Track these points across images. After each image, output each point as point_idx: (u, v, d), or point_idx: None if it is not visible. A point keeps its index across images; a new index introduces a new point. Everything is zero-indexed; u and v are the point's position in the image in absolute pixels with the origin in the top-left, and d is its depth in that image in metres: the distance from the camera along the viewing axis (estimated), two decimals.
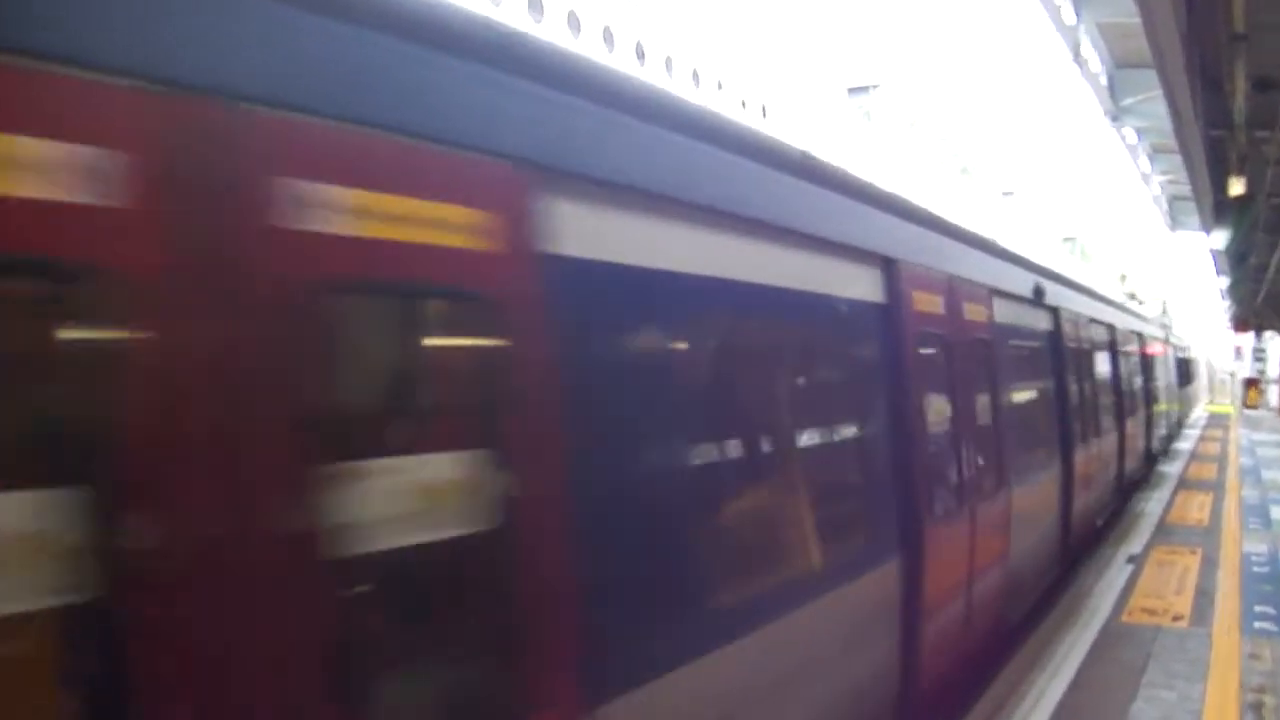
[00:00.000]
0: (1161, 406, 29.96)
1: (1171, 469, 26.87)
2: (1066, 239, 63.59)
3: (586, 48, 18.77)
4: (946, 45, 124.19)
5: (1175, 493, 21.86)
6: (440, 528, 3.77)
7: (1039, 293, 13.26)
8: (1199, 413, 54.81)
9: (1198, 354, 62.10)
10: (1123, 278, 53.10)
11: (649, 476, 5.16)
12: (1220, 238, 21.78)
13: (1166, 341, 34.49)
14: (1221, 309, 60.12)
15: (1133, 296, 39.04)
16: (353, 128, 3.48)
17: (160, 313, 2.88)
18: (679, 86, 30.86)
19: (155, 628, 2.82)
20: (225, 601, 2.99)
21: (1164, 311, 50.97)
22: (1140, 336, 24.94)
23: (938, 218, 10.00)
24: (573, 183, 4.48)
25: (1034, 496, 11.87)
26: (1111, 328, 19.63)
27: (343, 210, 3.38)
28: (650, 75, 28.13)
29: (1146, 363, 25.71)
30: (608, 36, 29.62)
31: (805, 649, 6.25)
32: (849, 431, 7.72)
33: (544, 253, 4.23)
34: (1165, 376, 32.28)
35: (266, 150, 3.23)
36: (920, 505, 7.97)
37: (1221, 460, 29.32)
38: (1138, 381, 23.53)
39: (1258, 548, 15.69)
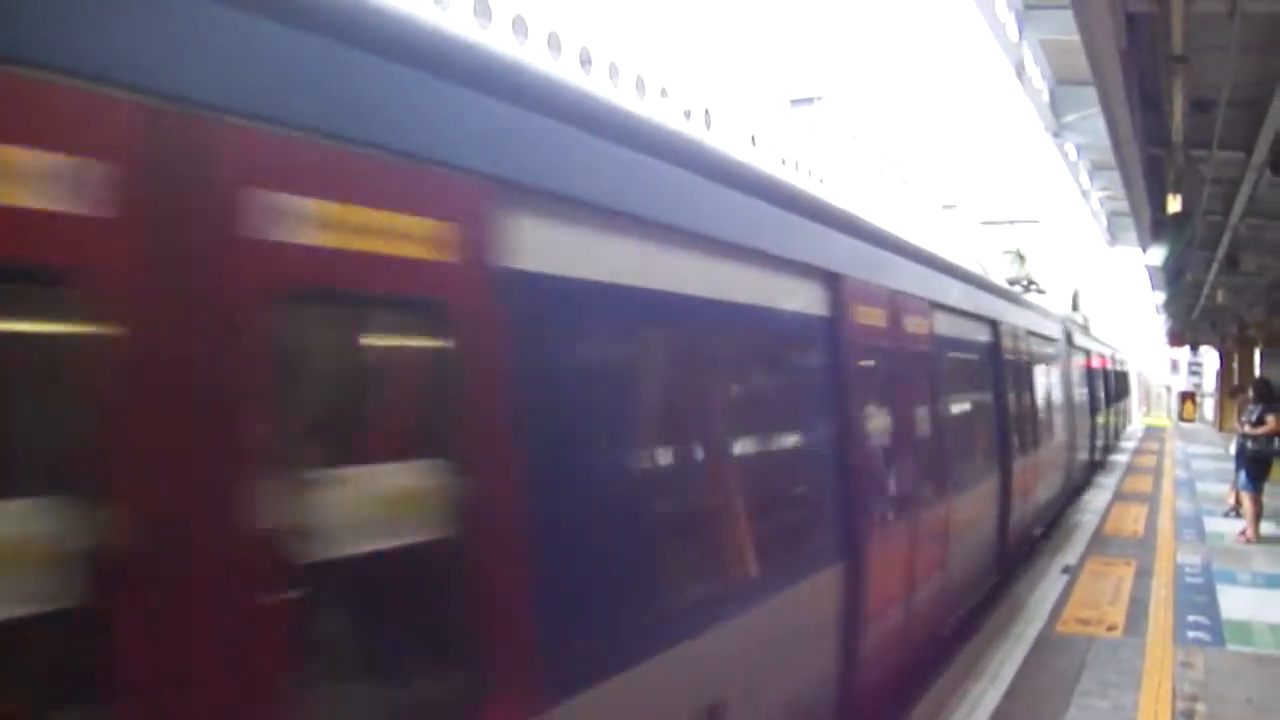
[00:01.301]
0: (1055, 449, 19.75)
1: (1108, 481, 27.13)
2: (1007, 251, 64.21)
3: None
4: (891, 59, 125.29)
5: (1111, 504, 22.11)
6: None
7: None
8: (1135, 426, 55.23)
9: (1130, 364, 55.35)
10: (1020, 258, 37.05)
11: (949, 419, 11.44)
12: (1157, 254, 22.05)
13: (1071, 344, 23.54)
14: (1158, 323, 60.93)
15: (1030, 284, 28.39)
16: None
17: None
18: (623, 95, 30.94)
19: None
20: None
21: (1075, 306, 40.92)
22: (998, 331, 14.34)
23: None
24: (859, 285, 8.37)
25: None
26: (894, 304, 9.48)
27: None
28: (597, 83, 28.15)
29: (1020, 376, 15.90)
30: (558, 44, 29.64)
31: (987, 501, 13.07)
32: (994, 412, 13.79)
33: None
34: (1065, 396, 21.62)
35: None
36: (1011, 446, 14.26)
37: (1157, 473, 29.67)
38: (982, 418, 13.58)
39: (1191, 559, 15.92)
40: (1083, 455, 25.53)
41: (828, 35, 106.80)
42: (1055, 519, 20.08)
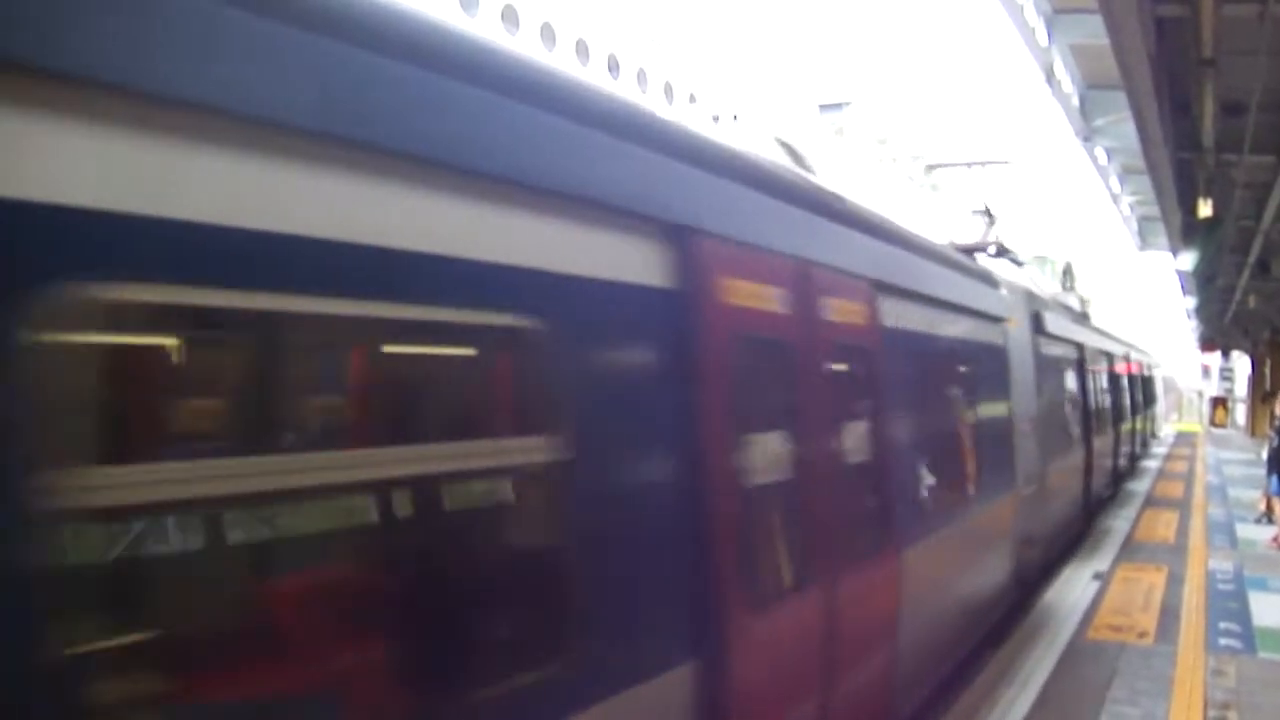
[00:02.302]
0: (968, 531, 10.40)
1: (1139, 487, 26.96)
2: (1039, 257, 63.89)
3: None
4: (920, 64, 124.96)
5: (1142, 510, 21.99)
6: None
7: None
8: (1165, 433, 54.89)
9: (1155, 366, 46.32)
10: (987, 216, 19.78)
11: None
12: (1188, 259, 21.96)
13: (1043, 333, 15.68)
14: (1188, 329, 60.67)
15: (1003, 252, 17.31)
16: None
17: None
18: (652, 100, 30.99)
19: None
20: None
21: (1068, 284, 29.80)
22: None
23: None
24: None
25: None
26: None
27: None
28: (624, 89, 28.14)
29: (872, 390, 7.88)
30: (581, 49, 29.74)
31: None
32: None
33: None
34: (1030, 416, 14.28)
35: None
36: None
37: (1188, 478, 29.48)
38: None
39: (1223, 565, 15.82)
40: (1059, 516, 16.63)
41: (857, 41, 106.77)
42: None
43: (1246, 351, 56.63)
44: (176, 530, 4.31)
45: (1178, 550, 17.11)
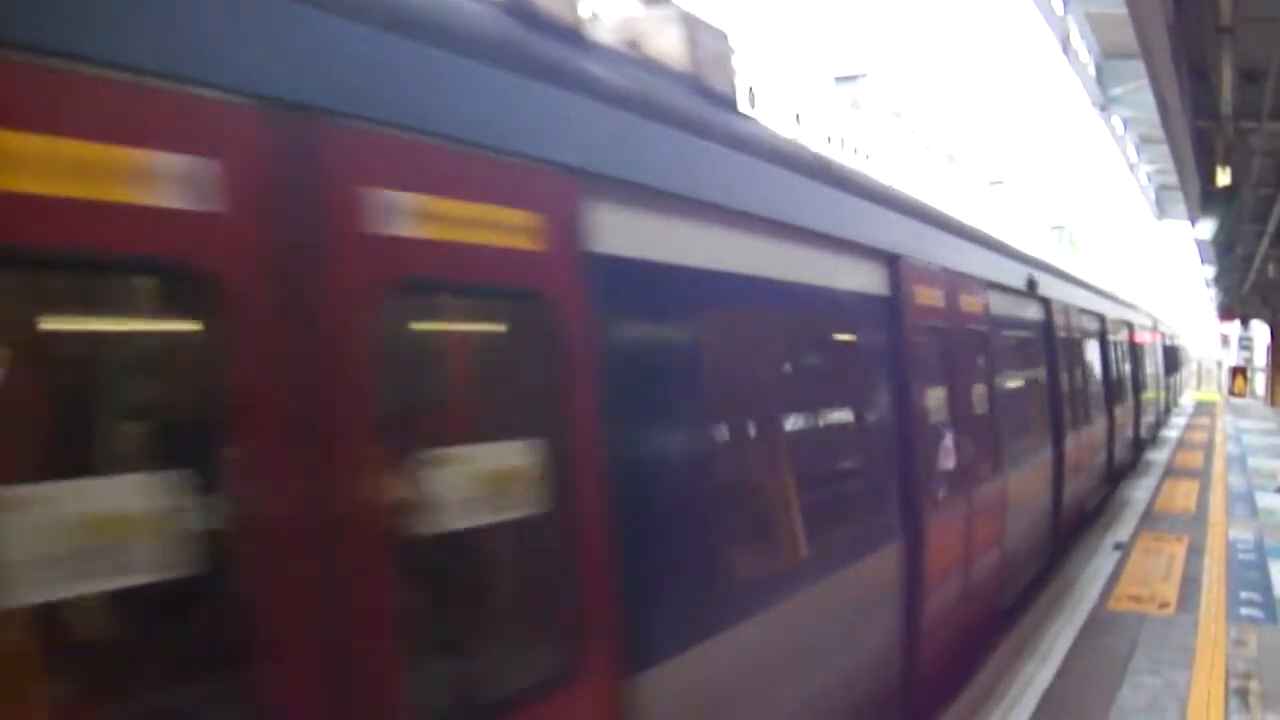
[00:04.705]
0: None
1: (1159, 457, 26.89)
2: (1055, 227, 63.72)
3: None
4: (935, 35, 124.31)
5: (1162, 480, 21.94)
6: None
7: None
8: (1186, 399, 54.75)
9: (1146, 325, 30.47)
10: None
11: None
12: (1206, 228, 21.83)
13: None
14: (1207, 298, 60.38)
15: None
16: None
17: None
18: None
19: None
20: None
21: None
22: None
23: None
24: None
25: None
26: None
27: None
28: None
29: None
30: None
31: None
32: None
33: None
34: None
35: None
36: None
37: (1208, 448, 29.39)
38: None
39: (1244, 535, 15.78)
40: None
41: (873, 12, 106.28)
42: None
43: (1266, 320, 56.33)
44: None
45: (1198, 520, 17.06)
